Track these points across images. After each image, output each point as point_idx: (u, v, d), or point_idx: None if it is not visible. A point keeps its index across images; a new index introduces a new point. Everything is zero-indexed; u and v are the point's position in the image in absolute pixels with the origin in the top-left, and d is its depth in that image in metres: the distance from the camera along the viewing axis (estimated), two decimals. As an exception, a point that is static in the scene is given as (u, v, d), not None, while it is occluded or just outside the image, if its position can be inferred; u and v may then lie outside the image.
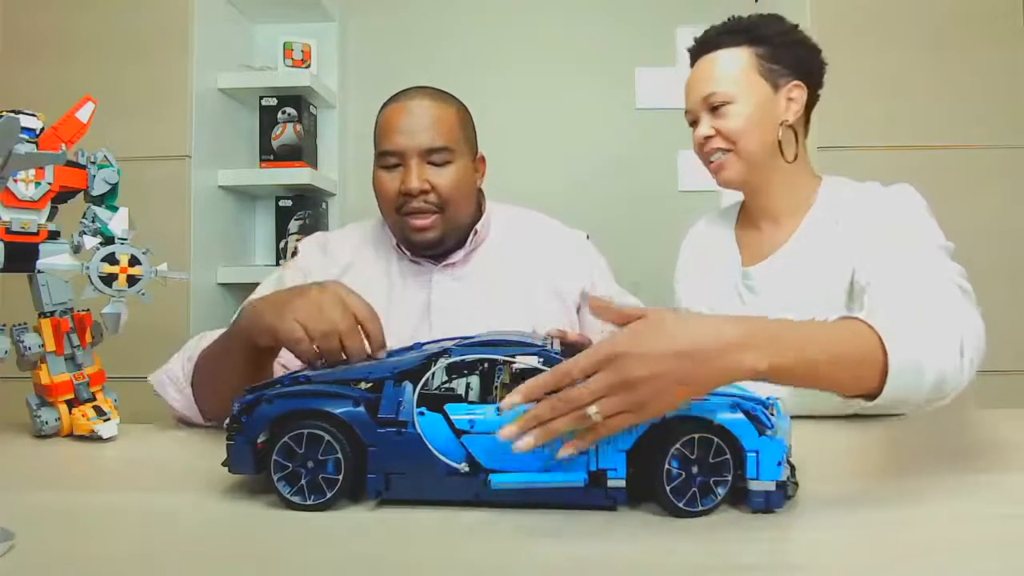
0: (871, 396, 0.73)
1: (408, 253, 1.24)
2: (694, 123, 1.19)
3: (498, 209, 1.31)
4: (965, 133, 1.80)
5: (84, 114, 0.97)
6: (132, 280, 0.96)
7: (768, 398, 0.71)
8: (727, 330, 0.66)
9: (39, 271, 0.96)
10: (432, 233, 1.18)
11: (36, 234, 0.97)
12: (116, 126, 1.28)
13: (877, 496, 0.72)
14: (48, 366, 0.99)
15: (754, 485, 0.65)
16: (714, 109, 1.14)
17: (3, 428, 1.04)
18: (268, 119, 2.08)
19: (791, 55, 1.14)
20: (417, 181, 1.15)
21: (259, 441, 0.69)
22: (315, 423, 0.68)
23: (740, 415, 0.66)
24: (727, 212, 1.32)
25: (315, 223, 2.16)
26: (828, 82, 1.20)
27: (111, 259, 0.95)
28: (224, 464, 0.71)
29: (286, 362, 1.04)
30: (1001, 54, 1.81)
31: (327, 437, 0.67)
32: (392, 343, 0.87)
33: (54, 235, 0.99)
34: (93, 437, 0.97)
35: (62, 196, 1.00)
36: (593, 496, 0.66)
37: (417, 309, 1.22)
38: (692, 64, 1.20)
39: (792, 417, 0.72)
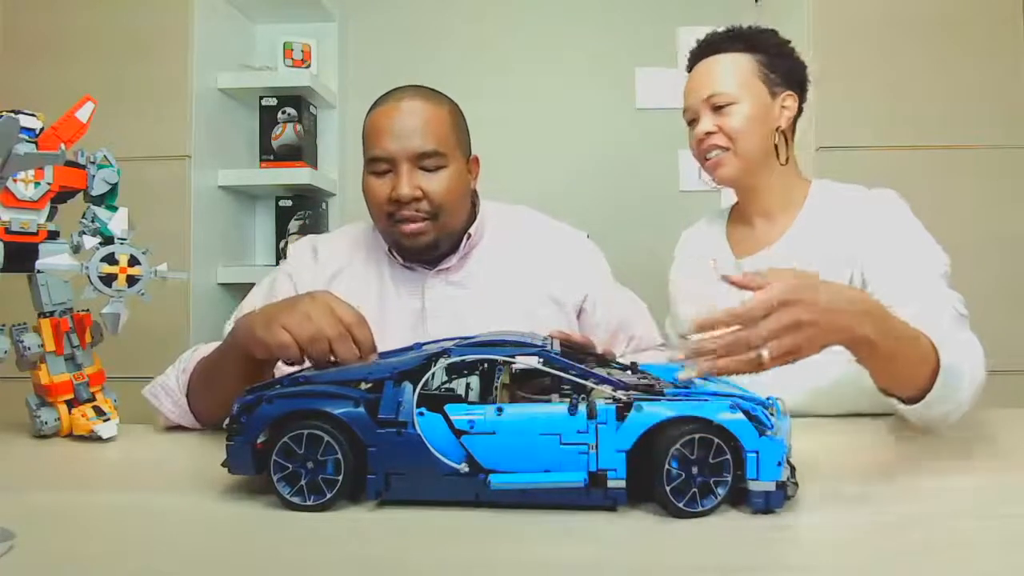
0: (912, 400, 0.84)
1: (400, 259, 1.21)
2: (692, 121, 1.22)
3: (492, 209, 1.28)
4: (965, 133, 1.80)
5: (84, 114, 0.97)
6: (132, 280, 0.96)
7: (768, 398, 0.71)
8: (867, 297, 0.77)
9: (39, 271, 0.96)
10: (424, 238, 1.15)
11: (36, 234, 0.97)
12: (116, 126, 1.27)
13: (877, 496, 0.72)
14: (48, 366, 0.99)
15: (754, 485, 0.65)
16: (717, 108, 1.18)
17: (3, 428, 1.04)
18: (268, 119, 2.08)
19: (786, 66, 1.20)
20: (408, 188, 1.11)
21: (259, 442, 0.69)
22: (315, 424, 0.68)
23: (740, 415, 0.65)
24: (718, 215, 1.35)
25: (315, 223, 2.16)
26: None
27: (111, 259, 0.95)
28: (224, 464, 0.71)
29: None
30: (1001, 54, 1.81)
31: (327, 438, 0.67)
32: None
33: (54, 235, 0.99)
34: (93, 437, 0.97)
35: (62, 196, 1.00)
36: (593, 496, 0.66)
37: (411, 316, 1.20)
38: (690, 67, 1.24)
39: (792, 417, 0.72)
